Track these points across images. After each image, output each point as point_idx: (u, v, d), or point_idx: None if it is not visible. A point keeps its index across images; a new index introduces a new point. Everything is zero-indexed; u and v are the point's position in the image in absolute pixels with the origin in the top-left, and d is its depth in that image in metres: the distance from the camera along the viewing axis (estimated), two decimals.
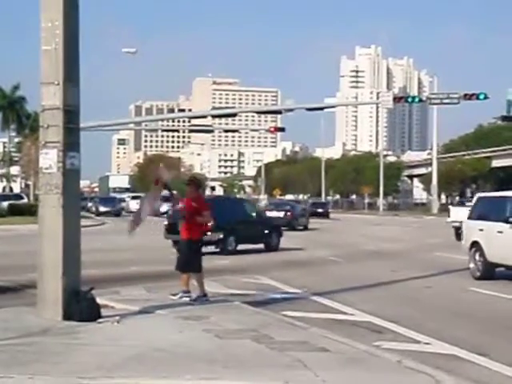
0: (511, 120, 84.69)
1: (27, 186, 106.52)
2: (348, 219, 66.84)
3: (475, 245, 21.21)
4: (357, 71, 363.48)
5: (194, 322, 12.40)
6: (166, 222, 30.03)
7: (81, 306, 12.04)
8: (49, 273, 12.17)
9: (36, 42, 12.35)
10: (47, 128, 12.30)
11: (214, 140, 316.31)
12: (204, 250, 15.86)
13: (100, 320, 12.08)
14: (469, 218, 22.82)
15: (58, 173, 12.18)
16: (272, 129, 78.12)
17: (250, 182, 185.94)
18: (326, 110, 69.78)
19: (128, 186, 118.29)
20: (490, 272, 20.64)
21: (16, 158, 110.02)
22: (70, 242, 12.19)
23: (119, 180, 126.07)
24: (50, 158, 12.23)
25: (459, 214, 34.22)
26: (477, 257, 20.98)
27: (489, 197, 23.61)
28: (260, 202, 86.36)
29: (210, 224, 16.02)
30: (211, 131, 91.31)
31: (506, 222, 19.86)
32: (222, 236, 28.67)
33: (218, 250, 28.75)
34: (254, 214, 33.19)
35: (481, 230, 21.19)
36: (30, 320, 12.02)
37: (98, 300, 12.64)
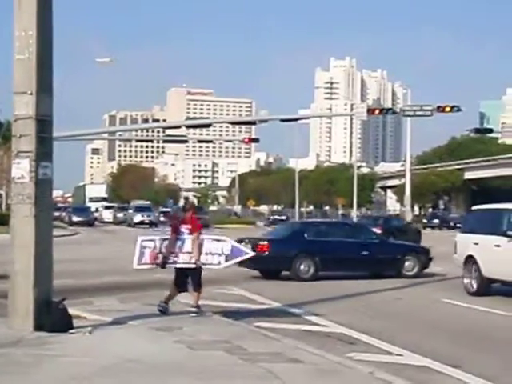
0: (484, 132, 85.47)
1: None
2: None
3: (470, 259, 19.97)
4: (331, 83, 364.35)
5: (167, 333, 12.36)
6: None
7: (52, 316, 11.96)
8: (20, 283, 12.07)
9: (9, 51, 12.31)
10: (20, 138, 12.22)
11: (188, 150, 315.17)
12: None
13: (72, 331, 12.00)
14: (462, 231, 21.87)
15: (30, 183, 12.11)
16: (246, 139, 78.06)
17: (224, 193, 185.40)
18: (300, 121, 69.74)
19: (105, 196, 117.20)
20: (485, 287, 19.50)
21: None
22: (42, 251, 12.11)
23: (97, 189, 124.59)
24: (22, 168, 12.16)
25: None
26: (472, 272, 19.82)
27: (483, 209, 21.79)
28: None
29: None
30: (185, 141, 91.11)
31: (505, 235, 18.74)
32: None
33: None
34: None
35: (476, 243, 19.96)
36: (0, 331, 11.91)
37: (70, 310, 12.57)
